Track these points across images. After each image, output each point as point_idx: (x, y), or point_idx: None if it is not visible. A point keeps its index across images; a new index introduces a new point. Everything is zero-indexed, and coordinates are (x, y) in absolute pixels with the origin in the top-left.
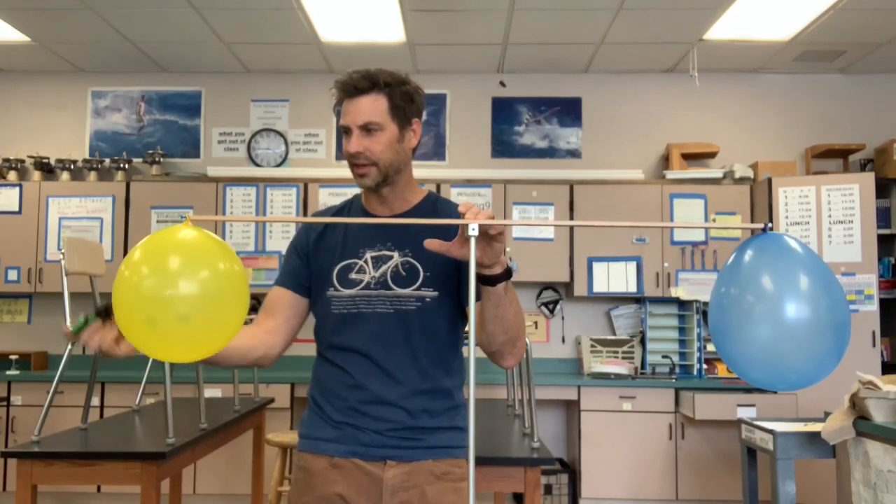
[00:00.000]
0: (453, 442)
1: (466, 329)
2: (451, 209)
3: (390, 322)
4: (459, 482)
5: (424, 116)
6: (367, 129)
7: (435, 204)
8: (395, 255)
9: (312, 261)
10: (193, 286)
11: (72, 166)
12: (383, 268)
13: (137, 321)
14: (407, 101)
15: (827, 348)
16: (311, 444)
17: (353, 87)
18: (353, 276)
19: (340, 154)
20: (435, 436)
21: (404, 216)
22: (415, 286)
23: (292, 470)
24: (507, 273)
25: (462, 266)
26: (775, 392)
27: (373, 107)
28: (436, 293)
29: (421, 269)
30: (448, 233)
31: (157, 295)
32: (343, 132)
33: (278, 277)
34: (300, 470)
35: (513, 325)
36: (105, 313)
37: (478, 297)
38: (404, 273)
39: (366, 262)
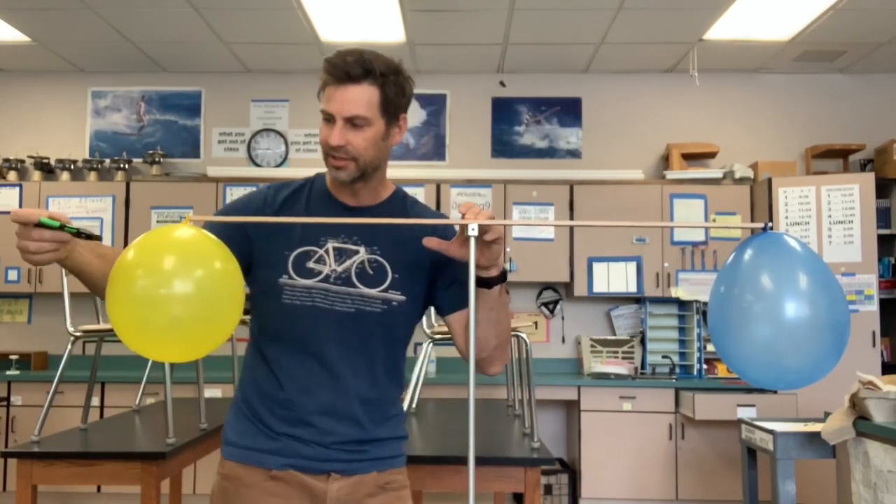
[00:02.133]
0: (396, 451)
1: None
2: (419, 209)
3: (349, 323)
4: (401, 489)
5: (424, 117)
6: (354, 122)
7: (404, 201)
8: (362, 250)
9: (260, 241)
10: (187, 286)
11: (72, 166)
12: (347, 262)
13: (130, 320)
14: (399, 93)
15: (826, 347)
16: (243, 454)
17: (346, 72)
18: (311, 265)
19: None
20: (380, 447)
21: (373, 210)
22: (382, 287)
23: (215, 476)
24: (503, 276)
25: (437, 271)
26: (775, 392)
27: (363, 99)
28: (403, 297)
29: (390, 270)
30: (420, 233)
31: (150, 294)
32: (325, 118)
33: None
34: (227, 480)
35: (505, 328)
36: (81, 235)
37: (460, 306)
38: (371, 272)
39: (327, 252)
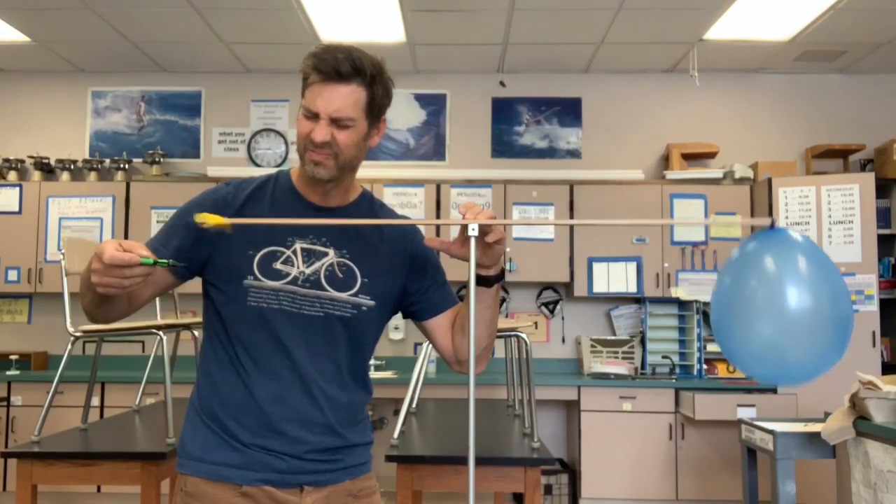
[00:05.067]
0: (366, 458)
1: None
2: (387, 211)
3: (318, 327)
4: (373, 495)
5: (424, 117)
6: (339, 122)
7: (371, 203)
8: (331, 252)
9: (222, 240)
10: None
11: (72, 166)
12: (316, 265)
13: None
14: (384, 95)
15: (829, 342)
16: (208, 469)
17: (336, 70)
18: (277, 266)
19: None
20: (352, 454)
21: (343, 211)
22: (352, 291)
23: (177, 494)
24: (502, 274)
25: (409, 278)
26: (775, 391)
27: (351, 99)
28: (373, 303)
29: (359, 274)
30: (390, 239)
31: None
32: (306, 114)
33: (151, 240)
34: (193, 498)
35: (495, 328)
36: (168, 265)
37: (442, 309)
38: (341, 275)
39: (294, 253)
